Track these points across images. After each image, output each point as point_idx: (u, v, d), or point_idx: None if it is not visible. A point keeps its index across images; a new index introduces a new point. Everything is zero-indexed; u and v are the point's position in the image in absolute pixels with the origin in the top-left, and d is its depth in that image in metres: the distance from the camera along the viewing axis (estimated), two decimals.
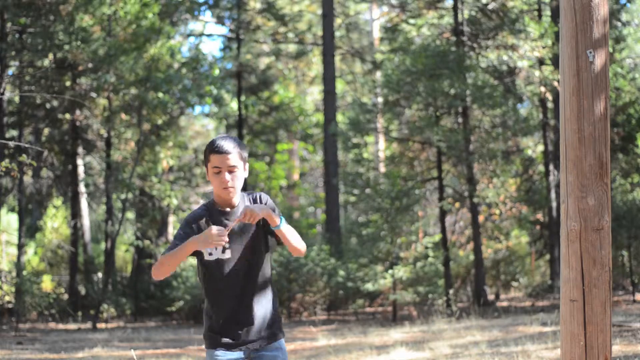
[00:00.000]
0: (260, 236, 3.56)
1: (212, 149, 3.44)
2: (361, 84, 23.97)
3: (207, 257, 3.50)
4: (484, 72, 17.52)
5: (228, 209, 3.54)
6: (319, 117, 25.40)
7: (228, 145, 3.45)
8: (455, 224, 20.06)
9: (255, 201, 3.57)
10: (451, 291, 16.09)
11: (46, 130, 19.62)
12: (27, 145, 8.90)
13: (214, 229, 3.32)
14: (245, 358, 3.55)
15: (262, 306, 3.55)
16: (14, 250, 20.98)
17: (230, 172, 3.46)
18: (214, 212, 3.53)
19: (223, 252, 3.50)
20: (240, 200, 3.57)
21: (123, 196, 17.96)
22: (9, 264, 19.11)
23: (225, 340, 3.51)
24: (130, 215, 22.89)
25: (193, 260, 19.47)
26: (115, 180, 17.90)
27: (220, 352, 3.51)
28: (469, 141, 16.66)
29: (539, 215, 20.12)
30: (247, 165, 3.56)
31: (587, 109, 3.42)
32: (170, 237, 22.60)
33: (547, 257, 20.37)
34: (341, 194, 19.74)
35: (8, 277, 17.01)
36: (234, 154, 3.45)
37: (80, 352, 11.20)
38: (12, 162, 12.55)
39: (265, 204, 3.55)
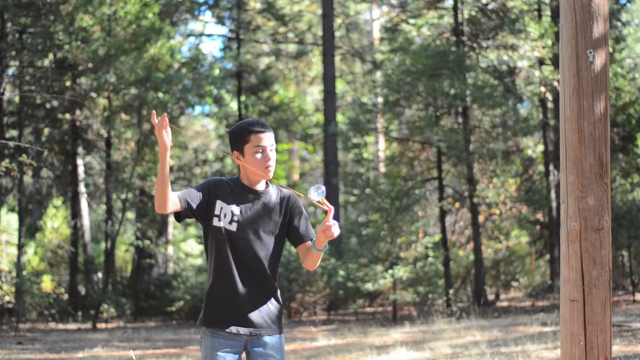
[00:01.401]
0: (279, 226, 3.54)
1: (253, 129, 3.47)
2: (361, 84, 23.96)
3: (214, 223, 3.48)
4: (484, 72, 17.53)
5: (253, 189, 3.54)
6: (319, 117, 25.40)
7: (266, 125, 3.49)
8: (455, 224, 20.06)
9: (288, 198, 3.58)
10: (451, 291, 16.08)
11: (46, 130, 19.62)
12: (27, 145, 8.92)
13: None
14: (242, 347, 3.50)
15: (265, 294, 3.52)
16: (14, 250, 20.98)
17: (271, 151, 3.50)
18: (239, 186, 3.53)
19: (230, 223, 3.47)
20: (268, 186, 3.59)
21: (123, 196, 17.96)
22: (9, 264, 19.11)
23: (223, 323, 3.45)
24: (130, 215, 22.88)
25: (193, 260, 19.50)
26: (115, 180, 17.89)
27: (216, 341, 3.46)
28: (469, 141, 16.66)
29: (539, 215, 20.12)
30: None
31: (587, 109, 3.42)
32: (171, 237, 22.62)
33: (547, 257, 20.37)
34: (341, 194, 19.74)
35: (8, 277, 17.01)
36: (272, 132, 3.51)
37: (80, 352, 11.20)
38: (12, 162, 12.56)
39: (293, 203, 3.60)
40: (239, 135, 3.49)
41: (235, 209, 3.47)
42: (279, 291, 3.62)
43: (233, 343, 3.47)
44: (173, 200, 3.38)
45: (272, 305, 3.54)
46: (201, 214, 3.48)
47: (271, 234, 3.53)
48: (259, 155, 3.47)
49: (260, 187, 3.56)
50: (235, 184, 3.55)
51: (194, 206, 3.44)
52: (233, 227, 3.46)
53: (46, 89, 17.23)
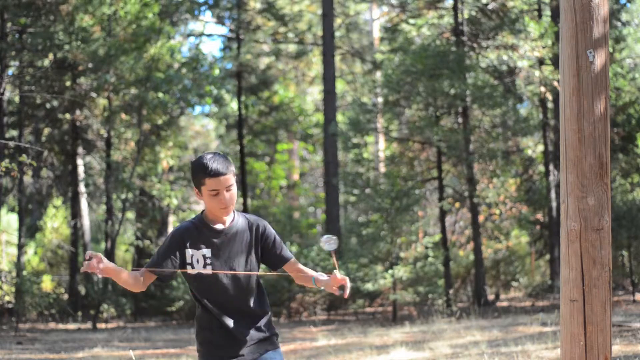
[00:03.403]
0: (253, 253, 3.54)
1: (207, 173, 3.37)
2: (361, 84, 23.96)
3: (189, 271, 3.47)
4: (484, 72, 17.52)
5: (219, 227, 3.50)
6: (319, 117, 25.40)
7: (223, 166, 3.40)
8: (455, 224, 20.06)
9: (257, 227, 3.55)
10: (451, 291, 16.08)
11: (46, 130, 19.62)
12: (27, 145, 8.92)
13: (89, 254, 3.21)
14: None
15: (252, 319, 3.53)
16: (14, 250, 20.98)
17: (228, 191, 3.43)
18: (204, 228, 3.50)
19: (204, 267, 3.46)
20: (234, 218, 3.54)
21: (123, 196, 17.96)
22: (9, 264, 19.11)
23: (217, 355, 3.51)
24: (130, 215, 22.88)
25: None
26: (115, 180, 17.89)
27: None
28: (469, 141, 16.66)
29: (539, 215, 20.12)
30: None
31: (587, 109, 3.42)
32: None
33: (547, 257, 20.37)
34: (341, 194, 19.73)
35: (8, 277, 17.01)
36: (229, 172, 3.42)
37: (80, 352, 11.20)
38: (12, 162, 12.55)
39: (262, 231, 3.56)
40: (196, 176, 3.44)
41: (206, 252, 3.46)
42: (269, 312, 3.62)
43: None
44: (144, 282, 3.44)
45: (264, 328, 3.56)
46: (177, 267, 3.49)
47: (247, 265, 3.53)
48: (214, 198, 3.43)
49: (228, 219, 3.52)
50: (200, 224, 3.51)
51: (171, 268, 3.46)
52: (208, 269, 3.45)
53: (46, 89, 17.23)
